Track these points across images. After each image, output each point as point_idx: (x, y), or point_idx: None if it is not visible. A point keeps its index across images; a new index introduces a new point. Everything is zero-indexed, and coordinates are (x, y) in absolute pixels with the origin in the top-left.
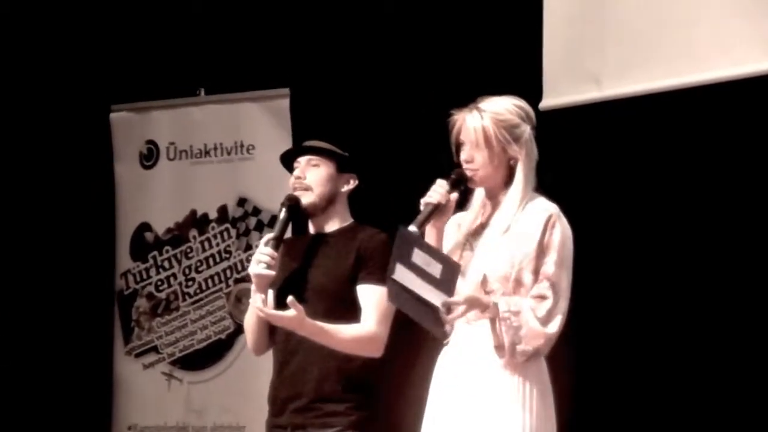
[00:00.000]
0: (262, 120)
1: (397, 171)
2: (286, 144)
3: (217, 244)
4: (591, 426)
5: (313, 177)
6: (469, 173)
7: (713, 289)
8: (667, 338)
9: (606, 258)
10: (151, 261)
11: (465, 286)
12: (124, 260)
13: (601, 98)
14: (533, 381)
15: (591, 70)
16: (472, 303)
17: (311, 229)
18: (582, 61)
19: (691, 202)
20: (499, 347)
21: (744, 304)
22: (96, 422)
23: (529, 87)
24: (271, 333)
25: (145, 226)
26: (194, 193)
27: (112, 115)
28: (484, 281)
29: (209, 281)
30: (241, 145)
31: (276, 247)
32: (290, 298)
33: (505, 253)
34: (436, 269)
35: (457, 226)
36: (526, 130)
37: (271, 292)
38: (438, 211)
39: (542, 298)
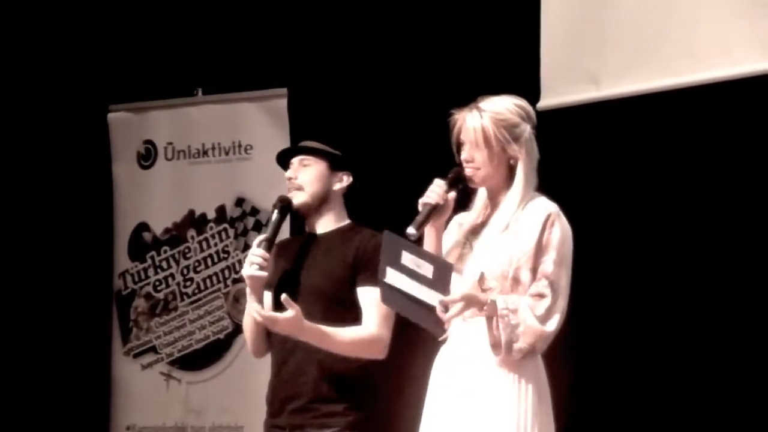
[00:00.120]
0: (260, 120)
1: (395, 171)
2: (284, 144)
3: (215, 244)
4: (589, 425)
5: (304, 177)
6: (469, 173)
7: (712, 288)
8: (666, 338)
9: (604, 258)
10: (150, 261)
11: (462, 285)
12: (122, 260)
13: (599, 98)
14: (529, 378)
15: (589, 70)
16: (470, 300)
17: (308, 230)
18: (580, 60)
19: (690, 203)
20: (495, 345)
21: (744, 303)
22: (94, 422)
23: (527, 87)
24: (270, 334)
25: (143, 226)
26: (192, 193)
27: (110, 115)
28: (481, 279)
29: (207, 281)
30: (239, 145)
31: (268, 249)
32: (284, 296)
33: (503, 252)
34: (427, 270)
35: (458, 225)
36: (526, 129)
37: (268, 294)
38: (437, 211)
39: (540, 296)
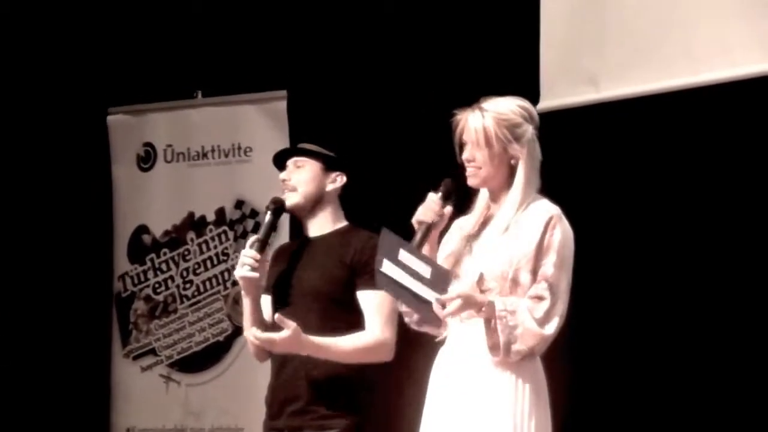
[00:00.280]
0: (260, 122)
1: (395, 172)
2: (284, 146)
3: (215, 247)
4: (588, 425)
5: (298, 178)
6: (470, 172)
7: (712, 289)
8: (666, 339)
9: (603, 259)
10: (149, 263)
11: (461, 285)
12: (122, 263)
13: (598, 100)
14: (527, 379)
15: (588, 72)
16: (467, 300)
17: (305, 233)
18: (579, 62)
19: (690, 204)
20: (493, 347)
21: (744, 304)
22: (94, 425)
23: (527, 88)
24: None
25: (142, 229)
26: (192, 195)
27: (110, 118)
28: (480, 280)
29: (207, 283)
30: (239, 148)
31: (260, 250)
32: (277, 316)
33: (503, 253)
34: (425, 271)
35: (459, 228)
36: (528, 130)
37: (267, 298)
38: (434, 227)
39: (540, 298)
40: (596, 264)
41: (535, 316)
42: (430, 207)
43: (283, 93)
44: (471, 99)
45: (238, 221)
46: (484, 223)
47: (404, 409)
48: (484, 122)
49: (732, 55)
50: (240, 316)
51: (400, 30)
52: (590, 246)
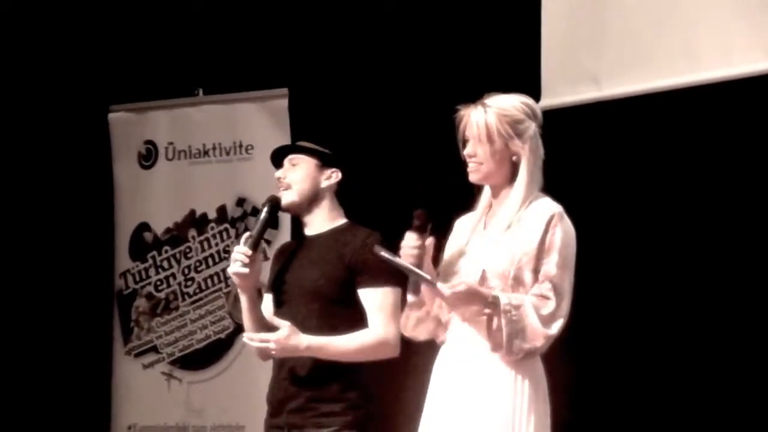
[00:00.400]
0: (261, 120)
1: (396, 170)
2: (285, 144)
3: (216, 244)
4: (587, 424)
5: (293, 176)
6: (472, 168)
7: (712, 288)
8: (667, 338)
9: (605, 258)
10: (151, 261)
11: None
12: (124, 260)
13: (599, 98)
14: (526, 377)
15: (589, 70)
16: (471, 289)
17: (304, 231)
18: (580, 60)
19: (690, 202)
20: (496, 347)
21: (744, 303)
22: (95, 422)
23: (528, 87)
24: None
25: (144, 226)
26: (193, 193)
27: (111, 116)
28: (482, 278)
29: (208, 281)
30: (240, 145)
31: (254, 246)
32: (270, 316)
33: (505, 251)
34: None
35: (459, 228)
36: (531, 126)
37: (269, 297)
38: (422, 264)
39: (544, 298)
40: (598, 262)
41: (541, 314)
42: (409, 250)
43: (285, 91)
44: (472, 97)
45: (240, 219)
46: (487, 220)
47: (405, 406)
48: (486, 118)
49: (732, 54)
50: (241, 314)
51: (401, 28)
52: (592, 244)
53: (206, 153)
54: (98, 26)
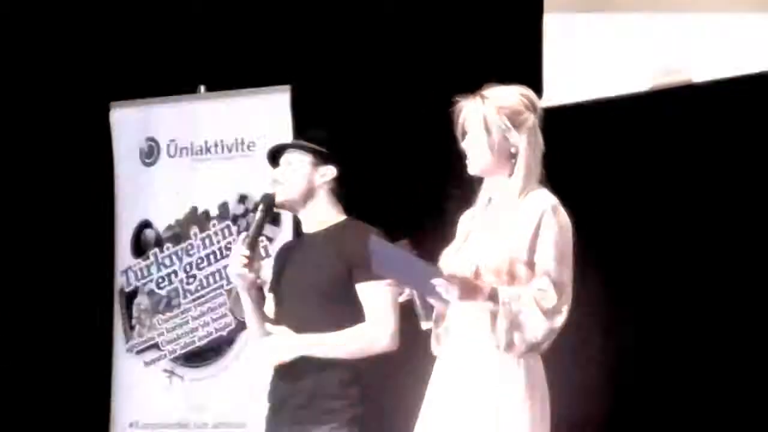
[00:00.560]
0: (263, 117)
1: (397, 167)
2: (287, 141)
3: (218, 241)
4: (588, 424)
5: (287, 174)
6: (470, 160)
7: (713, 286)
8: (667, 335)
9: (608, 256)
10: (152, 258)
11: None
12: (125, 257)
13: (601, 98)
14: (525, 377)
15: (591, 69)
16: (465, 281)
17: (303, 229)
18: (582, 59)
19: (692, 201)
20: (499, 343)
21: (744, 302)
22: (97, 419)
23: (530, 85)
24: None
25: (146, 224)
26: (195, 190)
27: (113, 113)
28: (476, 274)
29: (210, 278)
30: (242, 142)
31: (251, 247)
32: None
33: (499, 245)
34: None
35: (463, 222)
36: (530, 118)
37: (270, 296)
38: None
39: (544, 292)
40: (600, 260)
41: (542, 306)
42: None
43: (287, 88)
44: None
45: (242, 216)
46: (486, 214)
47: (405, 403)
48: (484, 109)
49: (734, 53)
50: (243, 311)
51: (403, 26)
52: (594, 242)
53: (208, 150)
54: (99, 23)
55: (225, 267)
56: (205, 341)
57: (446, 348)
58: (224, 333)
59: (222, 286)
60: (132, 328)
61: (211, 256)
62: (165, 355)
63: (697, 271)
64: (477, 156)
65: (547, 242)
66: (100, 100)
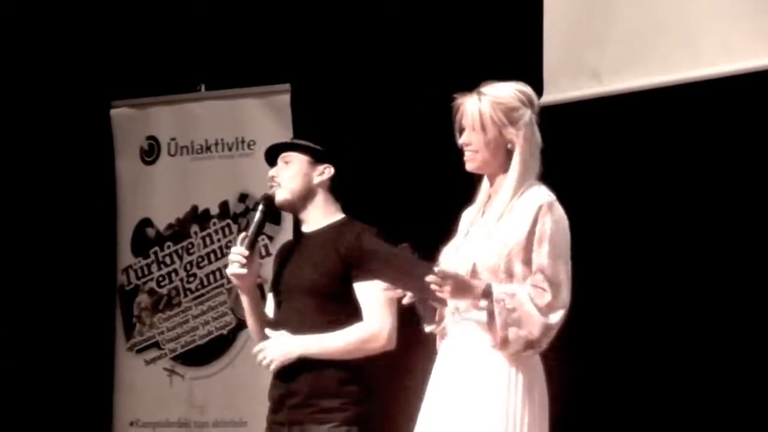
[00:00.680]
0: (263, 116)
1: (398, 166)
2: (287, 139)
3: (219, 240)
4: (587, 423)
5: (285, 173)
6: (467, 157)
7: (712, 285)
8: (666, 334)
9: (606, 253)
10: (153, 257)
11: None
12: (126, 256)
13: (601, 93)
14: (523, 377)
15: (591, 65)
16: (458, 281)
17: (302, 228)
18: (582, 55)
19: (691, 198)
20: (496, 342)
21: (744, 301)
22: (98, 418)
23: (530, 82)
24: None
25: (146, 222)
26: (195, 188)
27: (113, 111)
28: (473, 272)
29: (211, 277)
30: (242, 141)
31: (250, 246)
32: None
33: (496, 242)
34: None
35: (465, 219)
36: (526, 114)
37: (270, 296)
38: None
39: (539, 289)
40: (598, 257)
41: (537, 303)
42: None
43: (287, 86)
44: None
45: (242, 215)
46: (485, 211)
47: (403, 401)
48: (480, 106)
49: (734, 49)
50: (243, 310)
51: (403, 24)
52: (593, 239)
53: (208, 149)
54: (100, 22)
55: (225, 266)
56: (205, 340)
57: (445, 347)
58: (225, 332)
59: (222, 284)
60: (132, 326)
61: (212, 255)
62: (165, 354)
63: (696, 269)
64: (474, 153)
65: (543, 238)
66: (100, 99)
